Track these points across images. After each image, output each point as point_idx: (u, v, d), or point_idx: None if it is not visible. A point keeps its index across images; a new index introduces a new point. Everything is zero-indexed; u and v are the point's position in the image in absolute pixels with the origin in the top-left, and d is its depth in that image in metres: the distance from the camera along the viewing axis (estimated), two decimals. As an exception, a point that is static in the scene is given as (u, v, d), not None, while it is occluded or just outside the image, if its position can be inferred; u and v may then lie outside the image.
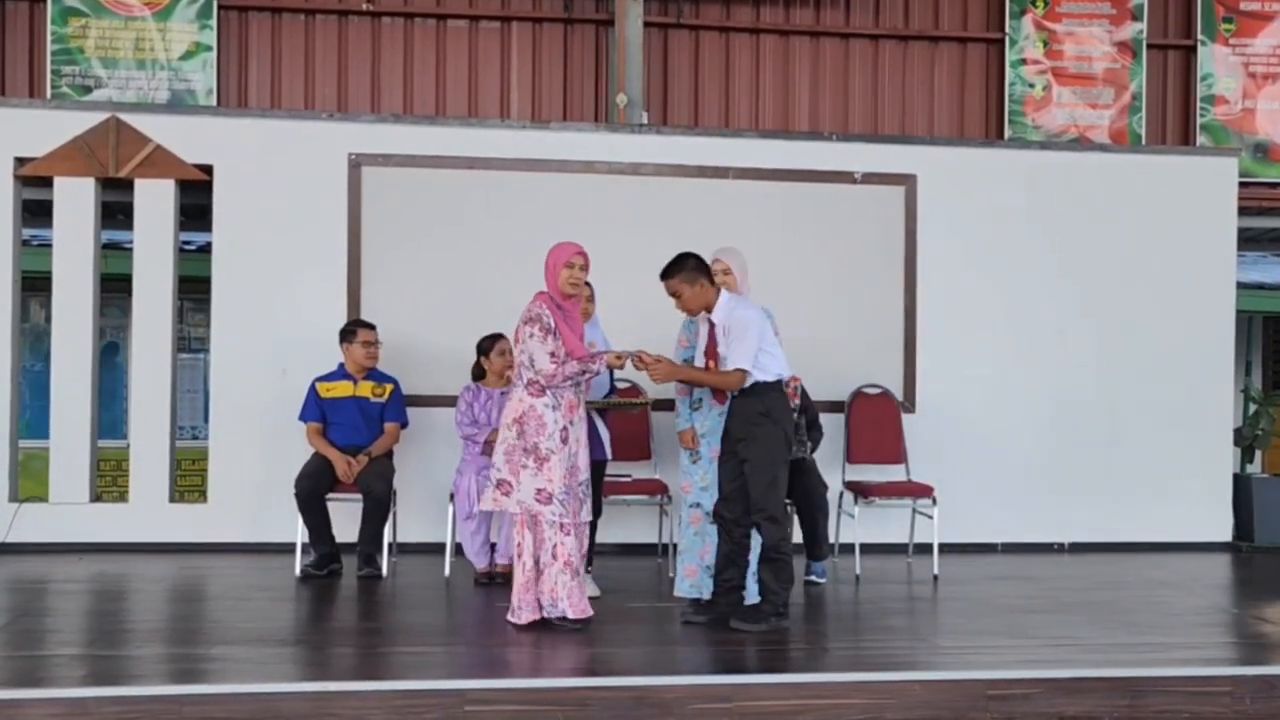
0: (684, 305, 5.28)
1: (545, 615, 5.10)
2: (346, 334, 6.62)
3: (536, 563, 5.08)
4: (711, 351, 5.29)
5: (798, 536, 6.24)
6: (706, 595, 5.48)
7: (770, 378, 5.22)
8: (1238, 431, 8.28)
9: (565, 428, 5.07)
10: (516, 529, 5.12)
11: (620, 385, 6.42)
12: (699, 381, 5.30)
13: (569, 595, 5.07)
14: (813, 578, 6.39)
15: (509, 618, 5.14)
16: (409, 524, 6.96)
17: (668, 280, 5.25)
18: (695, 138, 7.80)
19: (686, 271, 5.21)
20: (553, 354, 5.01)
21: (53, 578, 6.29)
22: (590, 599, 5.26)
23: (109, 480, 8.83)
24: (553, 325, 5.05)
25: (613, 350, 5.20)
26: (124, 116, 7.17)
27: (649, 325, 5.98)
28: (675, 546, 6.57)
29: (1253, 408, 8.51)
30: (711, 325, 5.30)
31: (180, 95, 8.93)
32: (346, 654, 4.79)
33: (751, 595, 5.37)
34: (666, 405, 6.89)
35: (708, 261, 5.39)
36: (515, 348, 5.18)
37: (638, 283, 6.79)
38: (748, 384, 5.17)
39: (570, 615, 5.08)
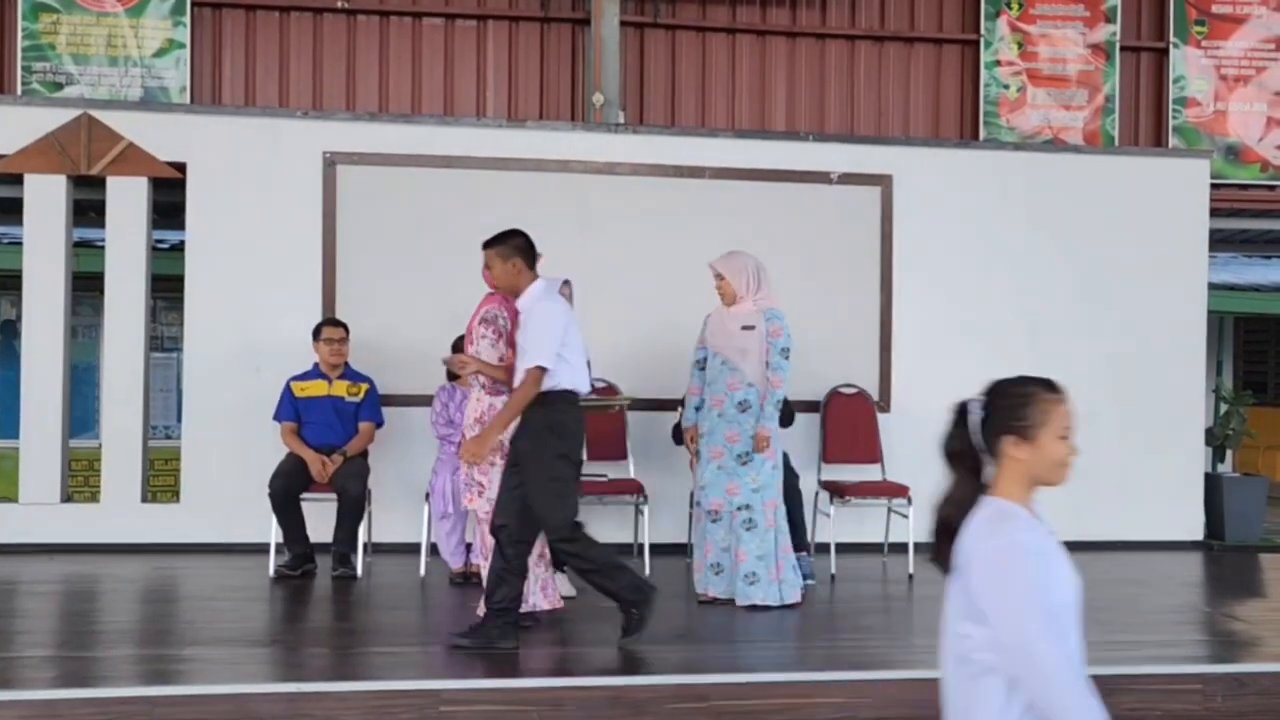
0: (491, 280, 5.04)
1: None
2: (314, 332, 6.60)
3: None
4: (512, 340, 5.06)
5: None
6: (713, 592, 5.64)
7: (564, 386, 4.79)
8: (1209, 431, 8.35)
9: None
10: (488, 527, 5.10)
11: (597, 384, 6.42)
12: (508, 416, 4.83)
13: (542, 588, 5.07)
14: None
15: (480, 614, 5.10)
16: (384, 524, 6.93)
17: (486, 250, 5.01)
18: (671, 137, 7.80)
19: (504, 246, 4.95)
20: (501, 358, 5.01)
21: (23, 579, 6.24)
22: (565, 599, 5.25)
23: (80, 480, 8.75)
24: (507, 329, 5.04)
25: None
26: (96, 113, 7.10)
27: (626, 324, 6.00)
28: (649, 547, 6.59)
29: (1224, 407, 8.58)
30: (515, 313, 5.05)
31: (153, 92, 8.85)
32: (321, 654, 4.77)
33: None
34: (643, 406, 6.93)
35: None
36: (469, 346, 5.15)
37: (612, 282, 6.82)
38: (545, 386, 4.73)
39: (542, 607, 5.07)
